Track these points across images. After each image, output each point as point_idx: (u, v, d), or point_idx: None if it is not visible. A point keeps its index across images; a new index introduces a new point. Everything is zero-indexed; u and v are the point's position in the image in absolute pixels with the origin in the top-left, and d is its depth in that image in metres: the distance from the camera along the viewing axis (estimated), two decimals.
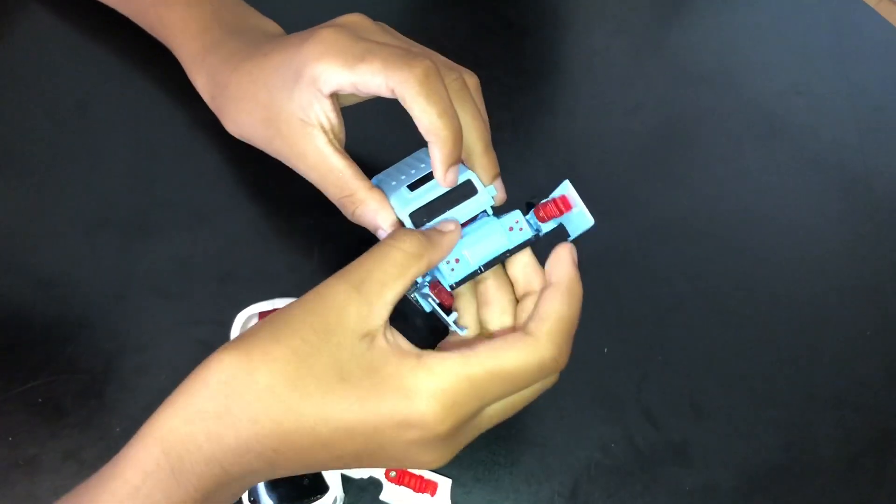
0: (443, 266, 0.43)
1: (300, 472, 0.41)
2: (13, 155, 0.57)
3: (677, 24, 0.70)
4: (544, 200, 0.45)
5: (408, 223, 0.44)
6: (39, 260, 0.54)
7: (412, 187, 0.45)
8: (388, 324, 0.39)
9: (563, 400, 0.53)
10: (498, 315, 0.45)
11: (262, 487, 0.46)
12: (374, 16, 0.49)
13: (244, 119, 0.51)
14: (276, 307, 0.50)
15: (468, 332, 0.45)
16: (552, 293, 0.42)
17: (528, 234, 0.44)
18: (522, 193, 0.56)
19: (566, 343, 0.41)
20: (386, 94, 0.43)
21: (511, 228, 0.44)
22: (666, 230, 0.60)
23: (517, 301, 0.45)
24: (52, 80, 0.60)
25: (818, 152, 0.64)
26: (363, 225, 0.47)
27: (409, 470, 0.49)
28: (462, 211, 0.45)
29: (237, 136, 0.53)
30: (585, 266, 0.57)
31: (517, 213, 0.44)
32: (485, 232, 0.44)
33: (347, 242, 0.56)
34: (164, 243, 0.55)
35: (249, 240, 0.56)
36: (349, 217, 0.47)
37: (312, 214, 0.57)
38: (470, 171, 0.45)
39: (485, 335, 0.45)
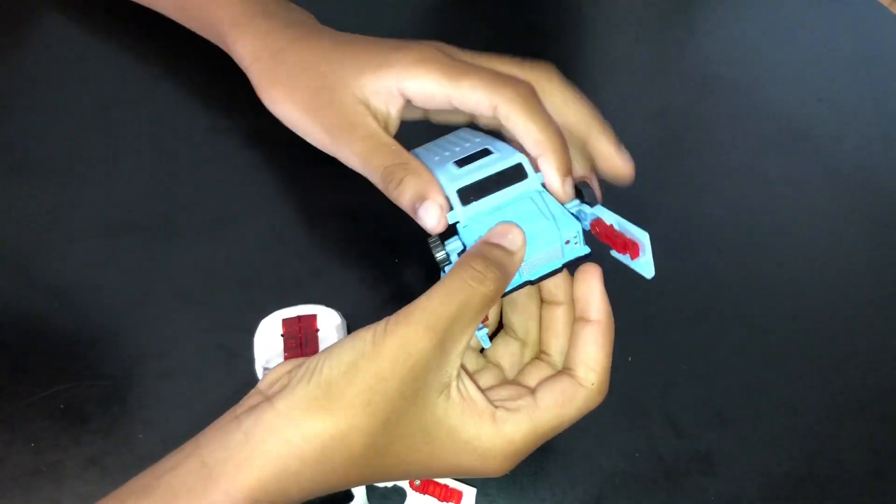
0: None
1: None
2: (35, 159, 0.57)
3: (699, 30, 0.70)
4: (608, 220, 0.43)
5: (454, 199, 0.42)
6: (61, 265, 0.54)
7: (459, 164, 0.44)
8: (460, 369, 0.40)
9: None
10: (524, 321, 0.46)
11: None
12: (397, 19, 0.49)
13: (293, 84, 0.49)
14: (299, 314, 0.49)
15: (488, 330, 0.45)
16: (595, 335, 0.43)
17: (583, 250, 0.43)
18: None
19: (607, 387, 0.43)
20: (486, 111, 0.45)
21: (568, 242, 0.42)
22: (689, 238, 0.59)
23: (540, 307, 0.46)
24: (73, 84, 0.60)
25: (841, 160, 0.64)
26: (404, 198, 0.43)
27: (434, 480, 0.48)
28: (510, 193, 0.43)
29: (273, 101, 0.50)
30: (608, 273, 0.57)
31: (578, 227, 0.42)
32: (543, 242, 0.42)
33: (369, 248, 0.56)
34: (186, 248, 0.55)
35: (272, 245, 0.55)
36: (390, 189, 0.44)
37: (335, 220, 0.57)
38: (521, 155, 0.43)
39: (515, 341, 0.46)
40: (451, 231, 0.43)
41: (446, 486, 0.48)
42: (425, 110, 0.49)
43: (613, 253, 0.44)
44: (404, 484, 0.48)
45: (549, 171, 0.43)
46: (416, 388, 0.37)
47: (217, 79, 0.60)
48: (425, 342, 0.37)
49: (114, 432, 0.49)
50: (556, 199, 0.44)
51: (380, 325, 0.38)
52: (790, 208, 0.61)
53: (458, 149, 0.46)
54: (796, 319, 0.57)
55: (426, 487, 0.48)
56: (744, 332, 0.56)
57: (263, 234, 0.56)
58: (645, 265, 0.43)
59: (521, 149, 0.44)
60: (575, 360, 0.42)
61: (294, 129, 0.50)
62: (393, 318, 0.38)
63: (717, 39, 0.69)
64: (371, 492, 0.48)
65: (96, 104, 0.59)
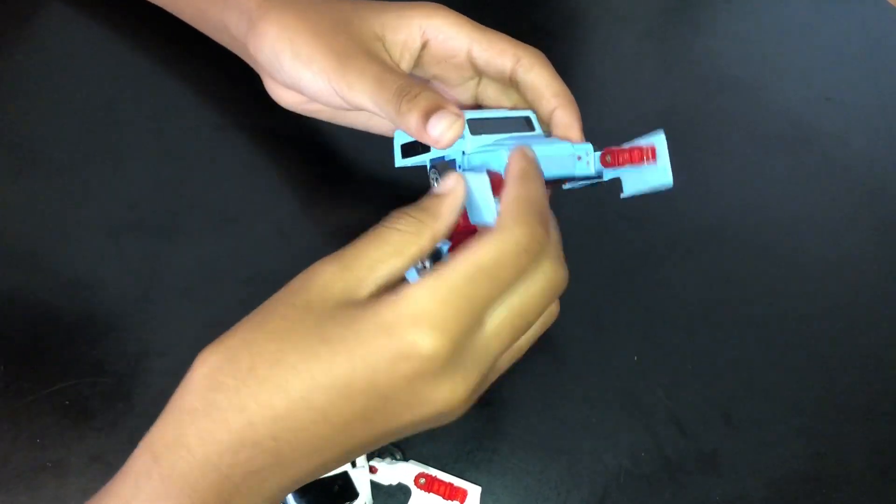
0: (504, 157, 0.40)
1: (313, 465, 0.37)
2: (41, 156, 0.57)
3: (706, 29, 0.70)
4: (620, 146, 0.43)
5: (465, 129, 0.42)
6: (66, 261, 0.54)
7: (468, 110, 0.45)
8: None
9: (592, 408, 0.52)
10: None
11: (290, 494, 0.46)
12: None
13: (308, 12, 0.47)
14: None
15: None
16: (509, 179, 0.39)
17: (592, 171, 0.43)
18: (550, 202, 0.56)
19: (536, 221, 0.37)
20: (507, 61, 0.46)
21: (579, 158, 0.43)
22: (694, 237, 0.59)
23: None
24: (79, 81, 0.60)
25: (848, 159, 0.64)
26: (418, 108, 0.41)
27: (438, 478, 0.48)
28: (517, 138, 0.43)
29: (281, 28, 0.47)
30: (614, 272, 0.57)
31: (589, 146, 0.44)
32: (556, 150, 0.42)
33: None
34: (191, 245, 0.55)
35: (276, 242, 0.55)
36: (402, 105, 0.42)
37: (339, 217, 0.56)
38: (530, 111, 0.45)
39: None
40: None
41: (451, 485, 0.48)
42: (427, 68, 0.49)
43: (624, 192, 0.43)
44: (409, 482, 0.48)
45: (568, 120, 0.45)
46: (310, 299, 0.36)
47: (223, 76, 0.60)
48: (326, 266, 0.36)
49: (118, 429, 0.49)
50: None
51: None
52: (797, 207, 0.61)
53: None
54: (802, 319, 0.57)
55: (431, 486, 0.48)
56: (749, 332, 0.56)
57: (268, 231, 0.56)
58: (663, 170, 0.42)
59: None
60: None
61: (295, 68, 0.47)
62: None
63: (724, 38, 0.69)
64: (376, 490, 0.48)
65: (102, 101, 0.59)
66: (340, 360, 0.34)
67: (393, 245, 0.37)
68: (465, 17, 0.48)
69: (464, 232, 0.40)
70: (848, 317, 0.57)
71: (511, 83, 0.48)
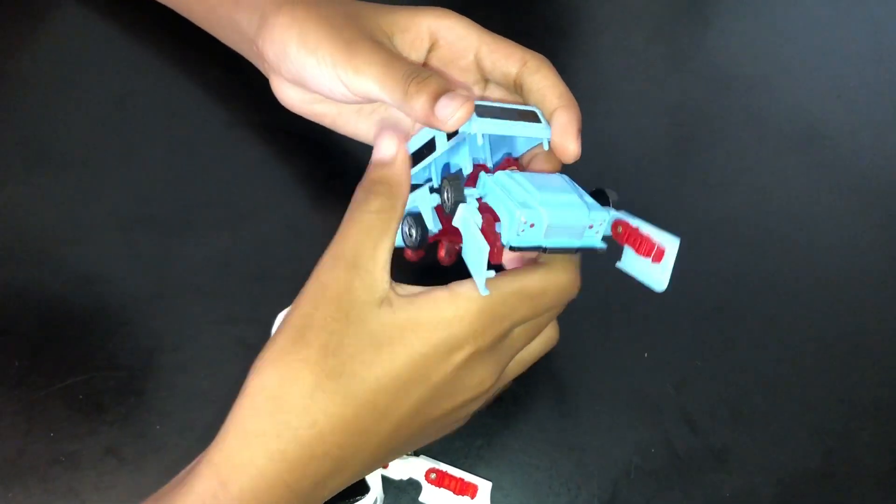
0: (518, 221, 0.39)
1: (365, 466, 0.40)
2: (53, 152, 0.57)
3: (715, 27, 0.70)
4: (637, 226, 0.42)
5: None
6: (79, 257, 0.54)
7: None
8: (392, 281, 0.39)
9: (602, 404, 0.53)
10: None
11: None
12: None
13: (321, 7, 0.47)
14: None
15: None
16: None
17: (599, 243, 0.42)
18: None
19: (575, 270, 0.42)
20: (513, 64, 0.47)
21: (591, 227, 0.41)
22: (704, 234, 0.59)
23: None
24: (90, 77, 0.61)
25: (857, 156, 0.64)
26: (427, 90, 0.41)
27: (449, 473, 0.49)
28: (519, 128, 0.43)
29: (292, 19, 0.47)
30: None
31: (607, 217, 0.41)
32: (572, 217, 0.40)
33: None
34: (203, 241, 0.55)
35: (287, 238, 0.56)
36: (411, 89, 0.42)
37: None
38: (535, 107, 0.45)
39: None
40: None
41: (461, 480, 0.48)
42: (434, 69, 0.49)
43: (621, 264, 0.42)
44: (420, 476, 0.48)
45: (566, 120, 0.44)
46: (344, 307, 0.37)
47: (235, 72, 0.60)
48: (337, 270, 0.38)
49: (130, 423, 0.49)
50: (563, 156, 0.44)
51: None
52: (806, 205, 0.61)
53: None
54: (811, 316, 0.57)
55: (441, 480, 0.48)
56: (759, 329, 0.56)
57: (279, 226, 0.56)
58: (661, 272, 0.41)
59: None
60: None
61: (302, 59, 0.47)
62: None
63: (733, 36, 0.69)
64: (387, 485, 0.48)
65: (114, 98, 0.60)
66: (401, 358, 0.37)
67: (378, 228, 0.40)
68: (474, 22, 0.48)
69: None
70: (858, 313, 0.57)
71: (516, 87, 0.48)
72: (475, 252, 0.39)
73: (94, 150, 0.58)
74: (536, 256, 0.44)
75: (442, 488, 0.48)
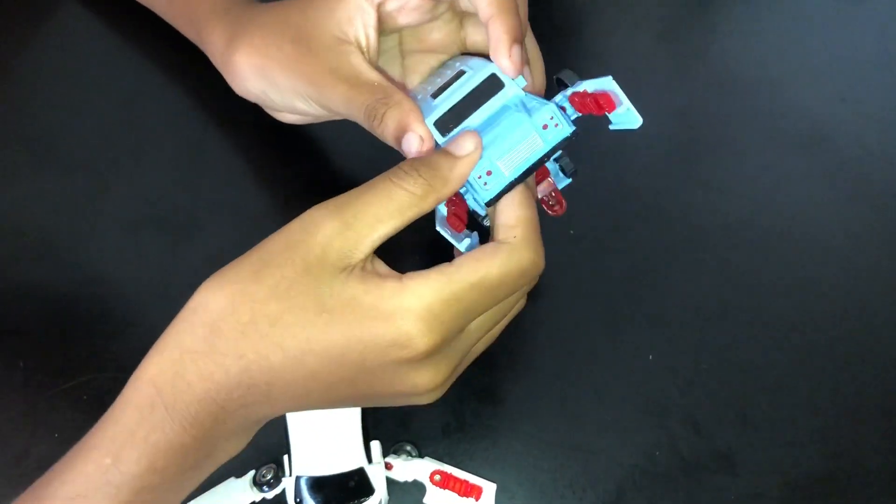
0: (473, 180, 0.39)
1: (299, 409, 0.40)
2: (60, 153, 0.58)
3: (722, 30, 0.70)
4: (579, 88, 0.40)
5: (435, 133, 0.41)
6: (85, 257, 0.54)
7: (435, 95, 0.42)
8: (374, 255, 0.38)
9: (607, 407, 0.52)
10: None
11: (306, 490, 0.46)
12: None
13: (269, 41, 0.48)
14: None
15: (469, 241, 0.43)
16: (511, 201, 0.40)
17: (566, 130, 0.39)
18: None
19: (540, 245, 0.40)
20: None
21: (545, 126, 0.39)
22: (710, 236, 0.59)
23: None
24: (97, 78, 0.61)
25: (863, 160, 0.63)
26: (389, 132, 0.42)
27: (454, 474, 0.49)
28: (490, 108, 0.41)
29: (252, 69, 0.49)
30: (629, 271, 0.57)
31: (551, 108, 0.39)
32: (517, 135, 0.39)
33: (390, 242, 0.56)
34: (209, 242, 0.55)
35: None
36: (374, 128, 0.43)
37: None
38: (492, 64, 0.42)
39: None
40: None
41: (466, 482, 0.48)
42: (397, 29, 0.48)
43: (612, 126, 0.41)
44: (424, 478, 0.48)
45: (497, 33, 0.42)
46: (310, 260, 0.37)
47: None
48: (327, 221, 0.37)
49: None
50: (504, 71, 0.42)
51: None
52: (812, 208, 0.61)
53: (438, 79, 0.44)
54: (817, 319, 0.57)
55: (446, 482, 0.48)
56: (764, 332, 0.56)
57: None
58: (628, 115, 0.40)
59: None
60: (495, 230, 0.40)
61: (282, 97, 0.48)
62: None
63: (740, 39, 0.69)
64: (391, 486, 0.48)
65: (121, 99, 0.60)
66: (336, 333, 0.36)
67: (396, 204, 0.38)
68: None
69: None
70: (864, 316, 0.57)
71: None
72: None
73: (100, 151, 0.58)
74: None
75: (447, 490, 0.48)
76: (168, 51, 0.62)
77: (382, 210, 0.37)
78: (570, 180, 0.46)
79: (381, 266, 0.39)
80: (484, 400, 0.52)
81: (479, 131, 0.40)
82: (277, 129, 0.59)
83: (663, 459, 0.51)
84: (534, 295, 0.56)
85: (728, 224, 0.60)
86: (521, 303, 0.43)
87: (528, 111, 0.40)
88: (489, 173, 0.39)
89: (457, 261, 0.38)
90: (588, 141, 0.51)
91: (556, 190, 0.45)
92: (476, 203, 0.41)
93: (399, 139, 0.41)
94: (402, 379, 0.38)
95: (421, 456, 0.50)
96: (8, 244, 0.54)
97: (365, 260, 0.38)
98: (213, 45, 0.52)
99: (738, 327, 0.56)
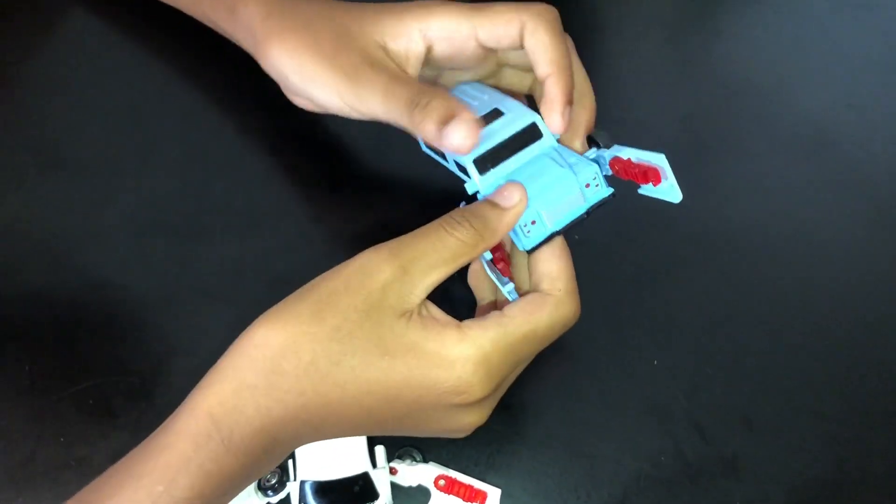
0: (518, 227, 0.41)
1: (344, 436, 0.43)
2: (67, 158, 0.58)
3: (727, 35, 0.70)
4: (625, 155, 0.43)
5: (472, 169, 0.42)
6: (91, 262, 0.54)
7: None
8: (428, 300, 0.40)
9: (611, 412, 0.52)
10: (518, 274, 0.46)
11: (310, 494, 0.46)
12: None
13: (310, 30, 0.47)
14: None
15: (513, 286, 0.46)
16: (552, 253, 0.42)
17: (605, 192, 0.42)
18: None
19: (578, 297, 0.43)
20: (513, 30, 0.45)
21: (588, 185, 0.42)
22: (714, 241, 0.59)
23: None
24: (104, 83, 0.61)
25: (868, 165, 0.63)
26: (430, 119, 0.42)
27: (458, 479, 0.49)
28: (527, 155, 0.43)
29: (285, 52, 0.48)
30: (634, 276, 0.57)
31: (594, 168, 0.42)
32: (562, 189, 0.41)
33: None
34: (215, 247, 0.55)
35: (299, 245, 0.56)
36: (415, 115, 0.43)
37: (363, 219, 0.57)
38: (534, 113, 0.43)
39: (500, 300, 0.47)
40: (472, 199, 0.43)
41: (471, 487, 0.48)
42: (440, 66, 0.49)
43: (641, 190, 0.43)
44: (429, 484, 0.48)
45: (554, 93, 0.44)
46: (371, 303, 0.38)
47: (247, 78, 0.60)
48: (385, 265, 0.38)
49: (141, 428, 0.49)
50: (552, 128, 0.43)
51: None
52: (817, 213, 0.61)
53: (476, 103, 0.45)
54: (823, 324, 0.57)
55: (451, 488, 0.48)
56: (770, 337, 0.56)
57: (291, 233, 0.56)
58: (670, 190, 0.42)
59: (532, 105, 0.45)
60: (537, 278, 0.42)
61: (305, 85, 0.48)
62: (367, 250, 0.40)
63: (745, 44, 0.69)
64: (396, 490, 0.48)
65: (127, 104, 0.60)
66: (397, 376, 0.38)
67: (449, 252, 0.40)
68: (463, 5, 0.46)
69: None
70: (870, 321, 0.57)
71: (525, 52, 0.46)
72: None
73: (107, 155, 0.58)
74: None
75: (451, 495, 0.48)
76: (174, 56, 0.62)
77: (437, 257, 0.39)
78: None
79: (437, 311, 0.40)
80: None
81: (520, 179, 0.42)
82: (283, 135, 0.60)
83: (668, 464, 0.51)
84: None
85: (733, 229, 0.60)
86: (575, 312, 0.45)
87: (571, 167, 0.42)
88: (533, 223, 0.41)
89: (509, 311, 0.40)
90: None
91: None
92: (518, 247, 0.43)
93: (443, 125, 0.41)
94: (452, 419, 0.41)
95: (425, 461, 0.50)
96: (14, 249, 0.54)
97: (420, 304, 0.39)
98: (249, 16, 0.51)
99: (744, 332, 0.56)
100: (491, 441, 0.51)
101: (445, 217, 0.41)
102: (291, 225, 0.56)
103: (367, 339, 0.38)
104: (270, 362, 0.38)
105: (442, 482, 0.48)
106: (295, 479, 0.47)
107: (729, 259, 0.59)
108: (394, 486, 0.48)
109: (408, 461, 0.49)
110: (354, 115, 0.47)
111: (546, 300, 0.41)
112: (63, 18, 0.64)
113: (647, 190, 0.43)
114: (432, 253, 0.39)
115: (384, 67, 0.45)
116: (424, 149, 0.49)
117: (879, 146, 0.64)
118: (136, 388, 0.50)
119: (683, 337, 0.55)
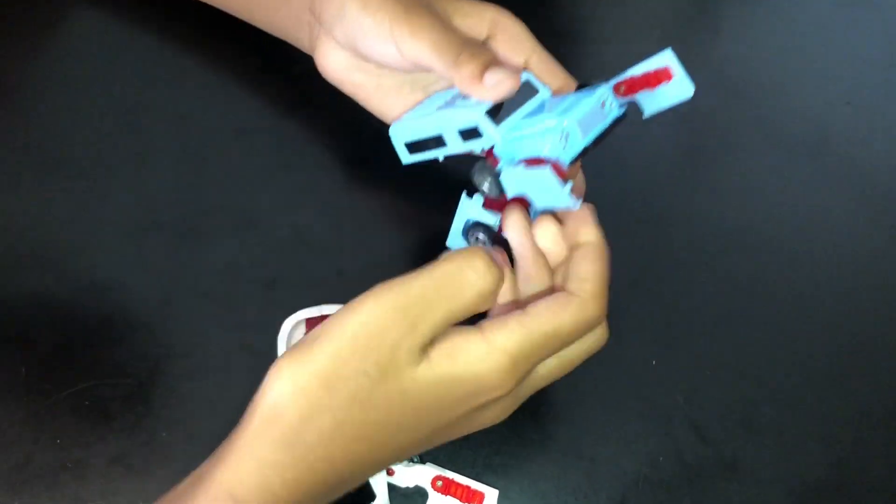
0: (555, 144, 0.41)
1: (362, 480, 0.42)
2: (64, 159, 0.58)
3: (726, 34, 0.69)
4: (630, 74, 0.43)
5: (485, 122, 0.43)
6: (87, 263, 0.54)
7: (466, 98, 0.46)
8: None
9: (610, 413, 0.52)
10: (536, 288, 0.44)
11: None
12: None
13: None
14: (323, 313, 0.49)
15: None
16: (586, 254, 0.42)
17: (618, 111, 0.43)
18: None
19: (606, 299, 0.42)
20: (556, 83, 0.49)
21: (603, 104, 0.42)
22: (714, 240, 0.59)
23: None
24: (100, 85, 0.61)
25: (868, 164, 0.63)
26: (477, 61, 0.43)
27: (456, 480, 0.48)
28: (529, 107, 0.44)
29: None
30: (632, 275, 0.57)
31: (606, 89, 0.42)
32: (584, 105, 0.41)
33: (394, 248, 0.56)
34: (212, 248, 0.55)
35: (296, 245, 0.56)
36: (461, 59, 0.44)
37: (359, 220, 0.57)
38: (527, 72, 0.45)
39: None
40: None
41: (468, 488, 0.48)
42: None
43: (647, 112, 0.44)
44: (426, 484, 0.48)
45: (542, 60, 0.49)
46: (382, 367, 0.36)
47: (245, 79, 0.60)
48: (393, 326, 0.37)
49: (137, 430, 0.49)
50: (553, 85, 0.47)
51: (355, 300, 0.38)
52: (818, 213, 0.61)
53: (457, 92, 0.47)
54: (823, 325, 0.56)
55: (448, 489, 0.48)
56: (769, 338, 0.56)
57: (288, 234, 0.56)
58: (681, 85, 0.43)
59: None
60: (567, 277, 0.42)
61: (359, 13, 0.47)
62: (368, 292, 0.38)
63: (744, 43, 0.69)
64: (392, 492, 0.48)
65: (125, 105, 0.60)
66: (424, 427, 0.39)
67: (466, 307, 0.38)
68: (530, 30, 0.50)
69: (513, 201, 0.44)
70: (870, 322, 0.57)
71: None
72: (541, 184, 0.41)
73: (103, 157, 0.58)
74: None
75: (448, 496, 0.48)
76: (170, 58, 0.62)
77: (449, 313, 0.38)
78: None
79: (450, 329, 0.39)
80: None
81: (538, 113, 0.43)
82: (280, 136, 0.60)
83: (667, 466, 0.51)
84: None
85: (732, 229, 0.60)
86: (599, 341, 0.44)
87: (587, 92, 0.43)
88: (567, 135, 0.41)
89: (532, 311, 0.39)
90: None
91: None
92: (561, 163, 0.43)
93: (486, 68, 0.43)
94: (474, 421, 0.41)
95: (423, 461, 0.49)
96: (10, 251, 0.54)
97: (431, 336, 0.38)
98: None
99: (743, 333, 0.56)
100: (489, 442, 0.51)
101: (465, 258, 0.39)
102: (288, 227, 0.56)
103: (389, 397, 0.37)
104: (290, 435, 0.36)
105: (439, 483, 0.48)
106: None
107: (728, 259, 0.58)
108: (391, 487, 0.48)
109: (405, 462, 0.49)
110: (391, 59, 0.47)
111: (571, 300, 0.40)
112: (60, 19, 0.64)
113: (655, 102, 0.44)
114: (444, 307, 0.38)
115: (436, 13, 0.47)
116: (407, 160, 0.50)
117: (880, 145, 0.64)
118: (133, 390, 0.50)
119: (682, 337, 0.55)
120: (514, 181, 0.43)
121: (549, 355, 0.41)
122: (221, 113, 0.60)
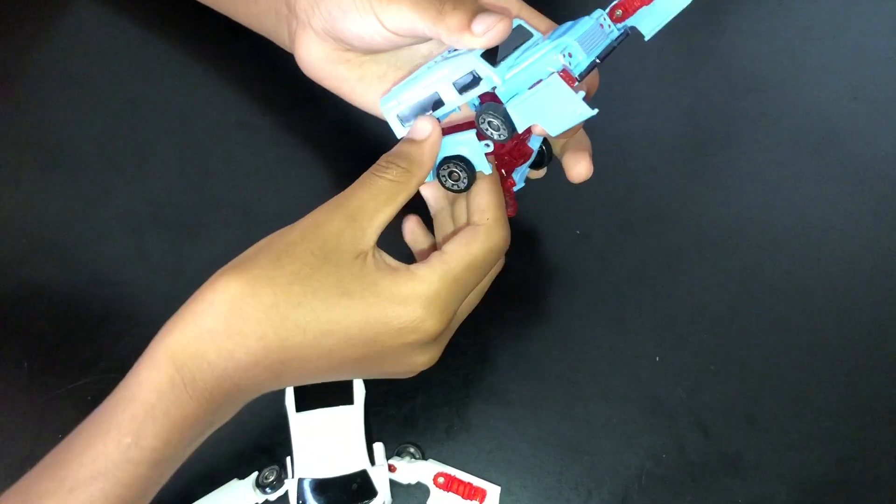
0: (558, 65, 0.41)
1: (301, 383, 0.45)
2: (66, 154, 0.58)
3: (732, 28, 0.69)
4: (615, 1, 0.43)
5: (482, 65, 0.42)
6: (91, 258, 0.54)
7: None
8: (377, 247, 0.42)
9: (613, 409, 0.52)
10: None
11: (309, 492, 0.46)
12: None
13: None
14: None
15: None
16: (480, 188, 0.45)
17: (617, 31, 0.43)
18: (571, 201, 0.56)
19: (507, 223, 0.45)
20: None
21: (602, 26, 0.42)
22: (718, 236, 0.59)
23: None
24: (103, 78, 0.61)
25: (875, 159, 0.63)
26: (458, 16, 0.42)
27: (458, 477, 0.48)
28: (524, 48, 0.43)
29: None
30: (636, 272, 0.57)
31: (602, 11, 0.42)
32: (583, 28, 0.42)
33: (395, 243, 0.56)
34: (214, 243, 0.55)
35: None
36: (445, 9, 0.43)
37: None
38: (517, 20, 0.44)
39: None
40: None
41: (470, 484, 0.48)
42: None
43: (647, 35, 0.43)
44: (428, 480, 0.48)
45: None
46: (327, 248, 0.40)
47: (247, 74, 0.60)
48: (335, 215, 0.41)
49: None
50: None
51: None
52: (822, 208, 0.60)
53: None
54: (826, 320, 0.56)
55: (450, 485, 0.48)
56: (773, 333, 0.55)
57: None
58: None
59: None
60: (469, 213, 0.45)
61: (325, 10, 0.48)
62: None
63: (750, 37, 0.69)
64: (395, 487, 0.48)
65: (126, 99, 0.60)
66: (356, 315, 0.40)
67: (387, 193, 0.42)
68: None
69: (517, 148, 0.47)
70: (874, 317, 0.57)
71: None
72: (552, 98, 0.41)
73: (106, 150, 0.58)
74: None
75: (450, 492, 0.48)
76: (173, 52, 0.62)
77: (376, 201, 0.42)
78: (523, 184, 0.51)
79: (388, 257, 0.43)
80: (489, 401, 0.52)
81: (538, 45, 0.42)
82: (282, 130, 0.59)
83: (670, 462, 0.51)
84: (540, 294, 0.56)
85: (737, 224, 0.59)
86: (499, 266, 0.47)
87: (585, 18, 0.43)
88: (570, 55, 0.41)
89: (447, 248, 0.43)
90: (595, 138, 0.51)
91: (510, 191, 0.49)
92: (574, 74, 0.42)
93: (473, 16, 0.42)
94: (408, 358, 0.43)
95: (424, 458, 0.49)
96: (13, 245, 0.54)
97: (373, 248, 0.42)
98: None
99: (747, 328, 0.55)
100: (490, 438, 0.51)
101: (374, 165, 0.43)
102: (290, 220, 0.56)
103: (327, 280, 0.40)
104: (231, 306, 0.39)
105: (441, 479, 0.48)
106: (293, 477, 0.47)
107: (732, 254, 0.58)
108: (392, 484, 0.48)
109: (407, 458, 0.49)
110: (370, 39, 0.47)
111: (478, 230, 0.43)
112: (62, 15, 0.64)
113: (655, 19, 0.43)
114: (372, 198, 0.42)
115: None
116: (401, 134, 0.48)
117: (885, 139, 0.64)
118: None
119: (686, 333, 0.55)
120: (523, 111, 0.42)
121: (471, 286, 0.44)
122: (223, 107, 0.60)
